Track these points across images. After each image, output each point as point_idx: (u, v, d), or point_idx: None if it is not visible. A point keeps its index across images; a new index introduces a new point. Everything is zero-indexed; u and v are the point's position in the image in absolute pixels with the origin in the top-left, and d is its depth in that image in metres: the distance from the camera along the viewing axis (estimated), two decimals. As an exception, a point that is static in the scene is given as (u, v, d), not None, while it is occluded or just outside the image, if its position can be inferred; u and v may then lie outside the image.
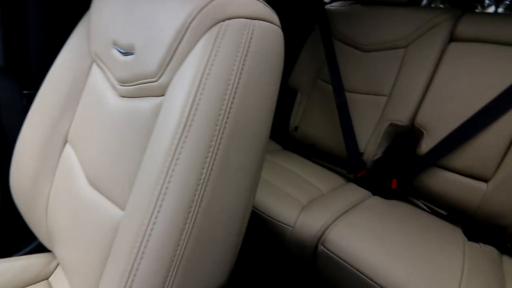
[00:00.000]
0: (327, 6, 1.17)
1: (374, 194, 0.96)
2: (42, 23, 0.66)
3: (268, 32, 0.35)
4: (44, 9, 0.66)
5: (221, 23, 0.33)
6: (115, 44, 0.44)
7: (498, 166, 0.79)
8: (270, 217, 0.80)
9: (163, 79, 0.36)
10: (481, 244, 0.77)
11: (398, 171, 0.96)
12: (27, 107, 0.58)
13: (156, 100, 0.38)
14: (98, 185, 0.44)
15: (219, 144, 0.33)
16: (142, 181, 0.35)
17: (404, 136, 1.00)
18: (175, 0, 0.37)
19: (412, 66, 0.93)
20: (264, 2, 0.37)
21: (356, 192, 0.93)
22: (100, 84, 0.50)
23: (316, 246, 0.74)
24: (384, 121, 0.97)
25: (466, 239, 0.78)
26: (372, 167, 1.01)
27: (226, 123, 0.33)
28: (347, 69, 1.08)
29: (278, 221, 0.79)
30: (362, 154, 1.01)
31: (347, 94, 1.05)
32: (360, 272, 0.65)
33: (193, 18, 0.33)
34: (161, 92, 0.37)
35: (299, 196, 0.87)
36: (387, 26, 1.00)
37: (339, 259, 0.69)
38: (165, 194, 0.32)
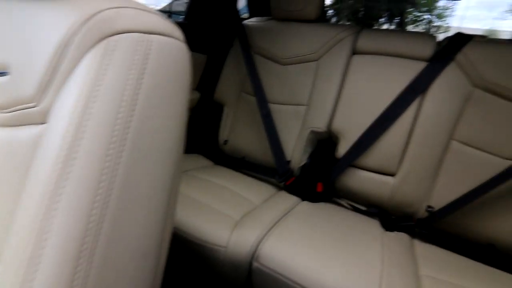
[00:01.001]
0: (245, 22, 1.21)
1: (303, 199, 1.00)
2: None
3: (170, 47, 0.32)
4: None
5: (109, 38, 0.29)
6: None
7: (400, 162, 0.91)
8: (201, 240, 0.76)
9: (43, 104, 0.30)
10: (396, 232, 0.87)
11: (322, 175, 1.03)
12: None
13: (37, 128, 0.31)
14: None
15: (115, 176, 0.28)
16: (19, 227, 0.28)
17: (325, 142, 1.07)
18: (56, 11, 0.31)
19: (324, 77, 1.02)
20: (162, 15, 0.34)
21: (286, 200, 0.96)
22: None
23: (251, 264, 0.72)
24: (306, 129, 1.03)
25: (383, 230, 0.87)
26: (299, 173, 1.06)
27: (122, 151, 0.29)
28: (268, 81, 1.12)
29: (210, 243, 0.75)
30: (289, 162, 1.05)
31: (271, 105, 1.09)
32: (296, 283, 0.66)
33: (76, 33, 0.28)
34: (42, 119, 0.31)
35: (231, 212, 0.85)
36: (299, 41, 1.07)
37: (273, 274, 0.69)
38: (45, 240, 0.26)
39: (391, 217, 0.94)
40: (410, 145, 0.89)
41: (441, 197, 0.86)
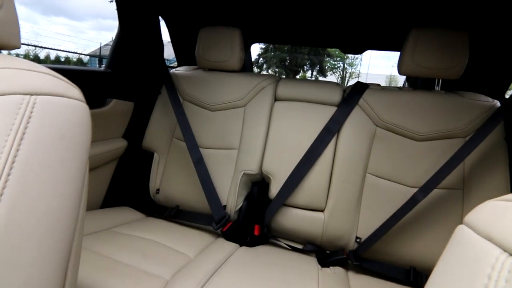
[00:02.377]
0: (173, 71, 1.23)
1: (241, 245, 0.97)
2: None
3: (60, 107, 0.30)
4: None
5: None
6: None
7: (327, 198, 0.97)
8: None
9: None
10: (332, 267, 0.89)
11: (258, 217, 1.03)
12: None
13: None
14: None
15: None
16: None
17: (259, 183, 1.09)
18: None
19: (252, 122, 1.07)
20: (56, 73, 0.32)
21: (223, 248, 0.92)
22: None
23: None
24: (239, 172, 1.04)
25: (319, 267, 0.88)
26: (236, 218, 1.04)
27: None
28: (199, 127, 1.13)
29: None
30: (225, 206, 1.03)
31: (203, 150, 1.09)
32: None
33: None
34: None
35: (162, 271, 0.77)
36: (226, 88, 1.13)
37: None
38: None
39: (326, 252, 0.97)
40: (333, 181, 0.97)
41: (366, 228, 0.93)
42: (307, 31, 1.49)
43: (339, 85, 1.09)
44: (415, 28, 0.94)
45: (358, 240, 0.93)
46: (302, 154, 0.99)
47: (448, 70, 0.92)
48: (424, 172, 0.91)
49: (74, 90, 0.33)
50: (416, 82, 1.50)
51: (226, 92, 1.13)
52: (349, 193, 0.95)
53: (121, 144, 1.19)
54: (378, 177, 0.95)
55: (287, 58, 15.26)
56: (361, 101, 0.99)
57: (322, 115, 1.02)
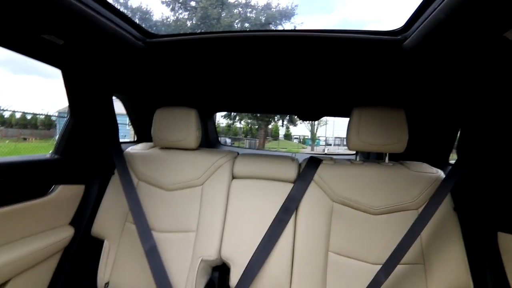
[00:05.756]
0: (128, 150, 1.20)
1: None
2: None
3: None
4: None
5: None
6: None
7: (290, 283, 0.91)
8: None
9: None
10: None
11: None
12: None
13: None
14: None
15: None
16: None
17: (220, 268, 1.02)
18: None
19: (209, 202, 1.04)
20: None
21: None
22: None
23: None
24: (196, 258, 0.97)
25: None
26: None
27: None
28: (155, 208, 1.07)
29: None
30: None
31: (158, 235, 1.01)
32: None
33: None
34: None
35: None
36: (183, 167, 1.11)
37: None
38: None
39: None
40: (295, 265, 0.92)
41: None
42: (265, 101, 1.57)
43: (295, 160, 1.11)
44: (356, 107, 1.02)
45: None
46: (262, 236, 0.95)
47: (392, 145, 0.98)
48: (384, 248, 0.90)
49: None
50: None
51: (183, 171, 1.10)
52: (314, 277, 0.90)
53: (68, 233, 1.08)
54: (340, 255, 0.93)
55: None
56: (316, 177, 1.01)
57: (280, 193, 1.01)
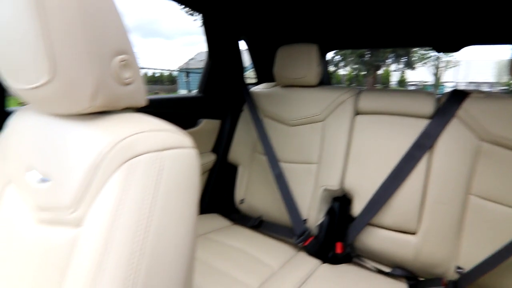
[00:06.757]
0: (253, 89, 1.32)
1: (323, 261, 0.97)
2: None
3: (181, 157, 0.38)
4: None
5: (129, 161, 0.35)
6: (32, 169, 0.43)
7: (419, 219, 0.88)
8: None
9: (77, 213, 0.36)
10: None
11: (340, 234, 1.01)
12: None
13: (73, 232, 0.37)
14: None
15: (139, 270, 0.33)
16: None
17: (341, 199, 1.07)
18: (89, 134, 0.38)
19: (331, 137, 1.06)
20: (173, 128, 0.41)
21: (305, 264, 0.94)
22: (16, 209, 0.46)
23: None
24: (319, 187, 1.05)
25: None
26: (317, 233, 1.04)
27: (143, 252, 0.33)
28: (278, 142, 1.17)
29: None
30: (305, 220, 1.05)
31: (283, 165, 1.13)
32: None
33: (103, 158, 0.35)
34: (77, 224, 0.36)
35: (249, 280, 0.84)
36: (304, 104, 1.15)
37: None
38: None
39: (418, 279, 0.88)
40: (426, 202, 0.87)
41: (469, 257, 0.82)
42: (391, 31, 1.38)
43: (432, 94, 0.98)
44: None
45: (459, 270, 0.82)
46: (388, 171, 0.93)
47: None
48: None
49: (188, 140, 0.40)
50: None
51: (305, 108, 1.14)
52: (447, 216, 0.84)
53: (211, 158, 1.33)
54: (485, 199, 0.82)
55: (367, 52, 14.07)
56: (461, 112, 0.87)
57: (412, 128, 0.93)
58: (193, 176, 0.39)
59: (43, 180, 0.42)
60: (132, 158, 0.35)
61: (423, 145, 0.90)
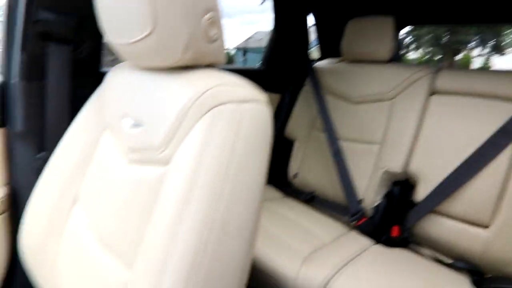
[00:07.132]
0: (316, 64, 1.29)
1: (377, 242, 0.95)
2: (60, 91, 0.73)
3: (257, 112, 0.42)
4: (62, 77, 0.73)
5: (214, 109, 0.39)
6: (126, 116, 0.50)
7: (495, 212, 0.80)
8: (271, 270, 0.80)
9: (166, 152, 0.42)
10: None
11: (398, 218, 0.97)
12: (39, 169, 0.63)
13: (161, 169, 0.42)
14: (106, 244, 0.48)
15: (220, 206, 0.37)
16: (150, 244, 0.39)
17: (401, 183, 1.02)
18: (178, 86, 0.43)
19: (399, 117, 0.99)
20: (252, 84, 0.43)
21: (357, 242, 0.93)
22: (110, 151, 0.55)
23: None
24: (379, 168, 1.00)
25: None
26: (372, 214, 1.02)
27: (224, 189, 0.37)
28: (339, 119, 1.15)
29: (279, 274, 0.78)
30: (361, 200, 1.02)
31: (341, 143, 1.11)
32: None
33: (191, 105, 0.40)
34: (165, 162, 0.42)
35: (300, 247, 0.87)
36: (372, 81, 1.09)
37: None
38: (171, 256, 0.36)
39: (484, 275, 0.81)
40: (507, 194, 0.78)
41: None
42: (481, 2, 1.19)
43: None
44: None
45: None
46: (463, 157, 0.84)
47: None
48: None
49: (263, 97, 0.43)
50: None
51: (372, 85, 1.09)
52: None
53: None
54: None
55: (446, 33, 12.20)
56: None
57: (498, 114, 0.83)
58: (267, 131, 0.42)
59: (136, 125, 0.49)
60: (216, 106, 0.39)
61: (509, 132, 0.79)
